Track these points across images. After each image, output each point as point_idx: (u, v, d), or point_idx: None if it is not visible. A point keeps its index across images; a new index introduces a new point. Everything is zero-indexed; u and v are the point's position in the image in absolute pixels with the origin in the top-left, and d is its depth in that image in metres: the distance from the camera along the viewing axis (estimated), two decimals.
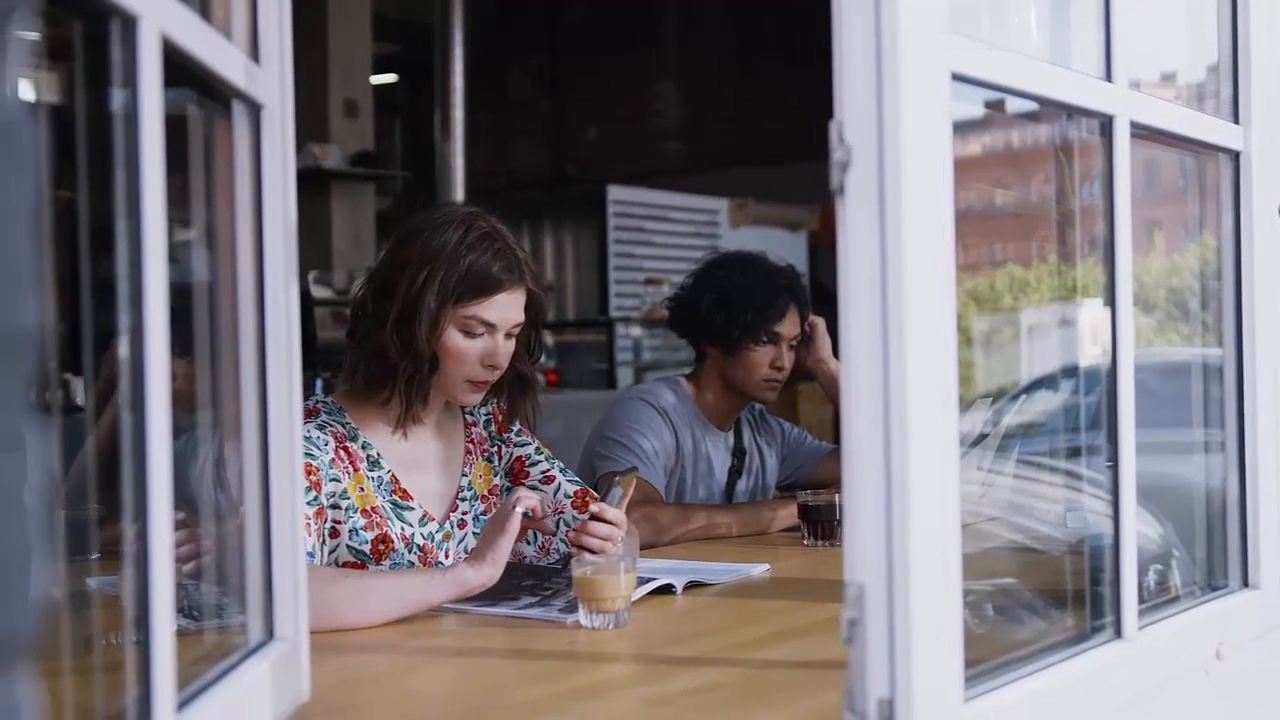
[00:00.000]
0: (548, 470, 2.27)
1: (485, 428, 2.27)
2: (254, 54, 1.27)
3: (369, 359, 2.07)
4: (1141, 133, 1.50)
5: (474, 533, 2.18)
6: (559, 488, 2.25)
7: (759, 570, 2.24)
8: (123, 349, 0.94)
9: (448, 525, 2.15)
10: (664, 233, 7.89)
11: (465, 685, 1.56)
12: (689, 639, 1.77)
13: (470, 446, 2.23)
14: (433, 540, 2.12)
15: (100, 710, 1.08)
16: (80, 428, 1.51)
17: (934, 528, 1.11)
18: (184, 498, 1.19)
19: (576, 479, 2.30)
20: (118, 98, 0.95)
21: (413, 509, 2.10)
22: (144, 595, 0.94)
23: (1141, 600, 1.48)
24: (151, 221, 0.94)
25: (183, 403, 1.04)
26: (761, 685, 1.50)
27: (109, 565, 1.44)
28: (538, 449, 2.30)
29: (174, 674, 0.96)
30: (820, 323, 2.98)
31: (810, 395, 5.69)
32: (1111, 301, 1.45)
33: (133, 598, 0.95)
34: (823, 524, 2.54)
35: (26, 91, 0.58)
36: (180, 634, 0.99)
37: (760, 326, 2.83)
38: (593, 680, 1.55)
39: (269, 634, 1.30)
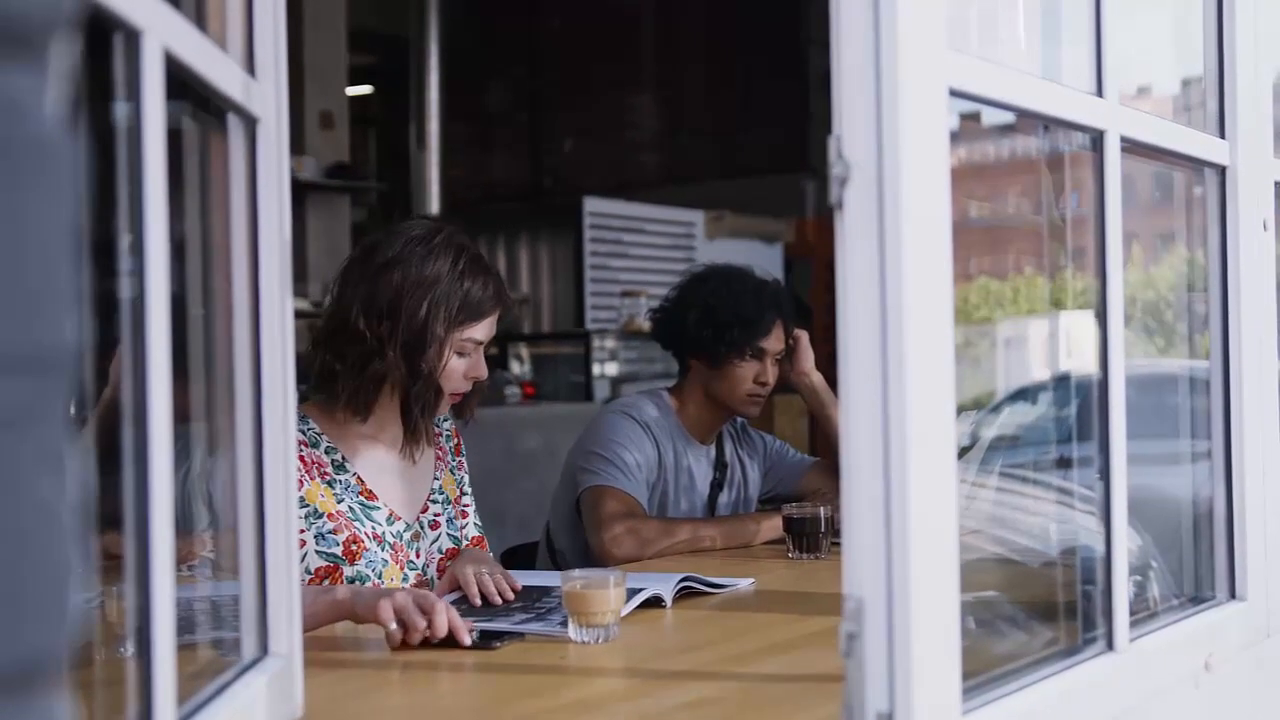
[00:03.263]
0: (468, 505, 2.36)
1: (446, 441, 2.35)
2: (249, 67, 1.26)
3: (370, 384, 2.11)
4: (1130, 147, 1.51)
5: (448, 534, 2.26)
6: (466, 526, 2.34)
7: (744, 584, 2.24)
8: (125, 363, 0.93)
9: (416, 525, 2.22)
10: (641, 245, 7.87)
11: (458, 700, 1.55)
12: (680, 653, 1.76)
13: (439, 454, 2.32)
14: (401, 539, 2.18)
15: None
16: None
17: (933, 541, 1.11)
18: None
19: (480, 525, 2.38)
20: (119, 110, 0.94)
21: (379, 508, 2.16)
22: (145, 613, 0.93)
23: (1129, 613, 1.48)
24: (154, 234, 0.93)
25: (174, 415, 1.03)
26: (756, 699, 1.50)
27: (92, 579, 1.43)
28: (469, 480, 2.39)
29: (175, 692, 0.96)
30: (804, 336, 2.98)
31: (787, 407, 5.68)
32: (1102, 314, 1.46)
33: (132, 614, 0.94)
34: (808, 537, 2.54)
35: (66, 111, 0.58)
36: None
37: (746, 342, 2.82)
38: (586, 695, 1.55)
39: (263, 650, 1.29)
